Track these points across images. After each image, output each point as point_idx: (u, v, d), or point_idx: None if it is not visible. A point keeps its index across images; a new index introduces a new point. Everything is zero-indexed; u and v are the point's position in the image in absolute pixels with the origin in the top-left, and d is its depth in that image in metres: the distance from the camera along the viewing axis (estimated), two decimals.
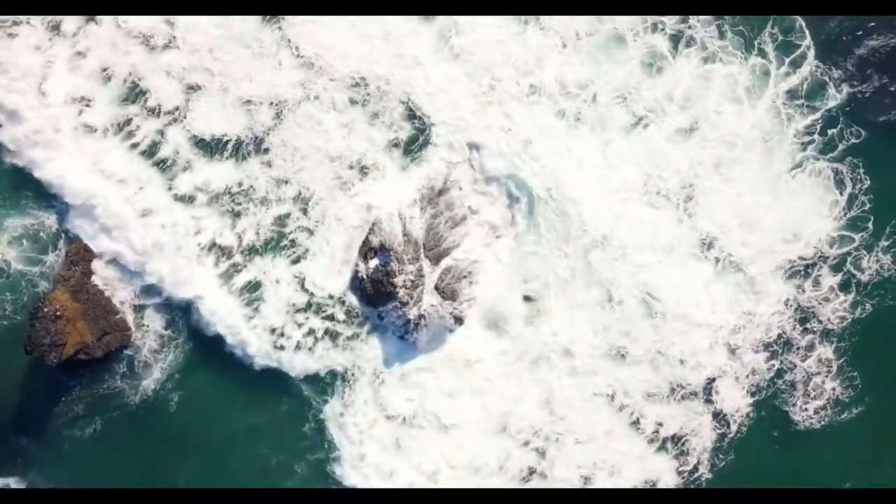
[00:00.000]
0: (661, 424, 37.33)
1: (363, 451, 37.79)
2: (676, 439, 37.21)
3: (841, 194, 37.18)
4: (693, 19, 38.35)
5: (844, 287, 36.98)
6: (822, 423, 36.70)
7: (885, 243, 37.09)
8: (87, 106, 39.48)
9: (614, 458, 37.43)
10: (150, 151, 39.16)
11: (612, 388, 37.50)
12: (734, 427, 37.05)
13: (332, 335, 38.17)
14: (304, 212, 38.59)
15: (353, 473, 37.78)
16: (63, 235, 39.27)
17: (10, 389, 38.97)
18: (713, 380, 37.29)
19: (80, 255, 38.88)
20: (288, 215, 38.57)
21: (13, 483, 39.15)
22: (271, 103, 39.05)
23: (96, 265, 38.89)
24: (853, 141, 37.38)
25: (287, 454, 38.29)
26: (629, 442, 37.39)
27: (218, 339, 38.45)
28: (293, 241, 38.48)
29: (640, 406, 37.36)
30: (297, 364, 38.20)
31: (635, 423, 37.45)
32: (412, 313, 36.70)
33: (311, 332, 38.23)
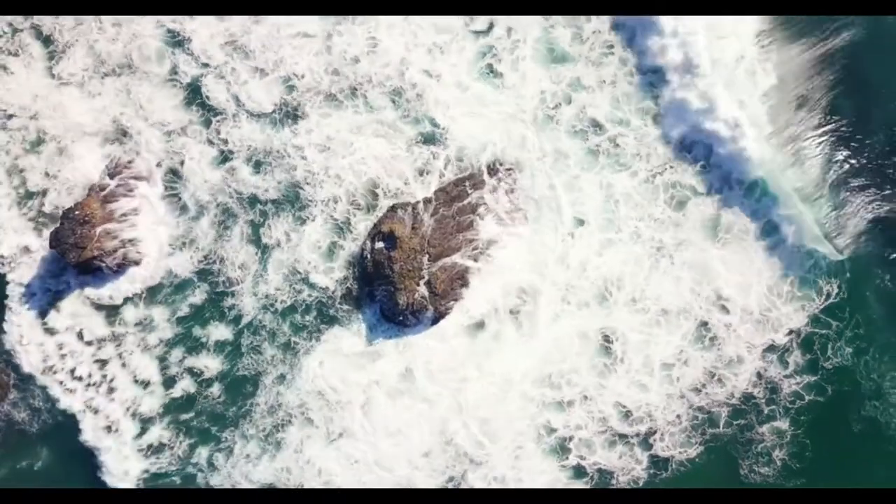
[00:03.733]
0: (582, 457, 37.99)
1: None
2: (606, 473, 37.88)
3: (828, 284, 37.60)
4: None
5: (811, 368, 37.20)
6: (767, 483, 36.79)
7: (850, 334, 37.16)
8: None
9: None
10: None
11: (545, 428, 38.36)
12: (671, 468, 37.53)
13: (321, 304, 40.76)
14: (321, 184, 41.31)
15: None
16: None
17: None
18: (655, 431, 37.74)
19: (119, 170, 41.96)
20: (302, 183, 41.41)
21: None
22: (308, 90, 42.06)
23: (143, 188, 42.18)
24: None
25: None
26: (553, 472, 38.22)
27: None
28: (304, 206, 41.31)
29: (575, 445, 38.11)
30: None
31: (563, 455, 38.20)
32: (402, 299, 38.56)
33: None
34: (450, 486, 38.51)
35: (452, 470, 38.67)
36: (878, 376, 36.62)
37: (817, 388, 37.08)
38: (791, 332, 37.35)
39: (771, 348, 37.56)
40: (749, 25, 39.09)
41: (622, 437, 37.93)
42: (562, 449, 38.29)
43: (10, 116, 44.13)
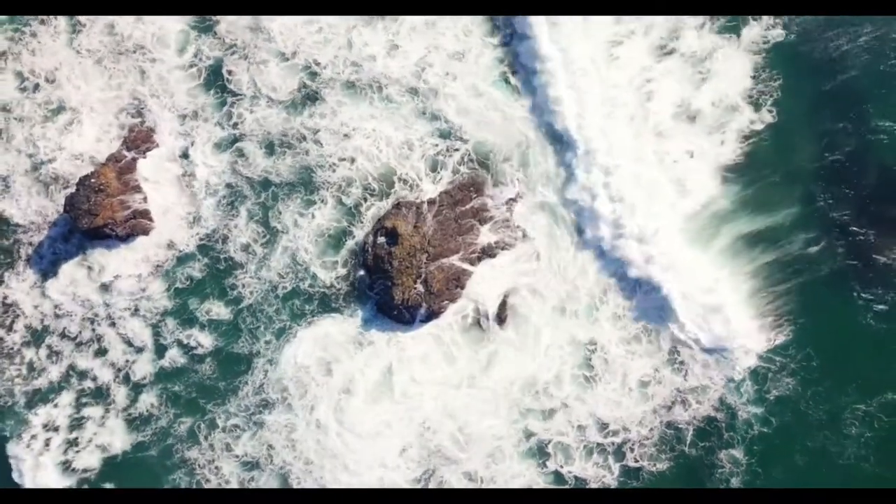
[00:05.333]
0: (561, 466, 38.80)
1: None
2: (580, 479, 38.61)
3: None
4: None
5: (761, 400, 37.78)
6: None
7: (794, 366, 37.88)
8: None
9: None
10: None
11: (524, 432, 39.23)
12: (643, 478, 38.19)
13: (322, 294, 41.77)
14: (333, 167, 42.43)
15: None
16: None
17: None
18: (628, 440, 38.52)
19: (137, 143, 43.04)
20: (314, 166, 42.57)
21: None
22: (329, 80, 43.44)
23: (159, 162, 43.41)
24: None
25: None
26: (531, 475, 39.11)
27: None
28: (315, 190, 42.46)
29: (553, 448, 38.95)
30: None
31: (540, 458, 39.02)
32: (398, 295, 39.42)
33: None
34: (422, 481, 39.31)
35: (428, 463, 39.55)
36: (830, 408, 37.46)
37: (763, 420, 37.81)
38: (747, 368, 38.13)
39: (731, 379, 38.40)
40: (742, 67, 40.54)
41: (598, 445, 38.77)
42: (540, 452, 39.12)
43: (37, 87, 45.34)
